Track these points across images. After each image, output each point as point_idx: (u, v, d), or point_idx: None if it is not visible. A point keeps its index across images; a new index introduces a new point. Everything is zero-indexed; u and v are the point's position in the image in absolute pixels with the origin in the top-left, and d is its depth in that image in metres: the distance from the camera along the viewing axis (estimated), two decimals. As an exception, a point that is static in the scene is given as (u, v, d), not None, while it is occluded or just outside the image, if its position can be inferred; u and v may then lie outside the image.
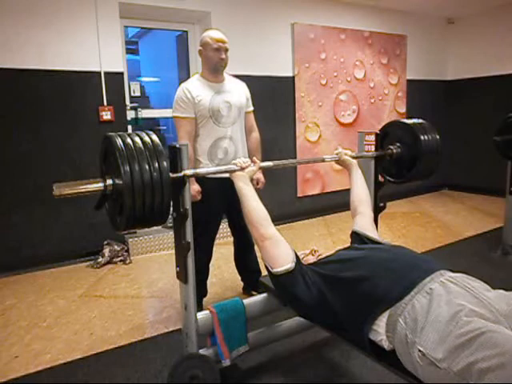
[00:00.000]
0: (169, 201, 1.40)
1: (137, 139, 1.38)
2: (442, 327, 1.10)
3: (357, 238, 1.75)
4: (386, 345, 1.26)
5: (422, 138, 2.08)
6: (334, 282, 1.43)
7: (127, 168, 1.29)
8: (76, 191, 1.33)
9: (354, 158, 2.06)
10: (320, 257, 1.75)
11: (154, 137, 1.43)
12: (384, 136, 2.24)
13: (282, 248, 1.52)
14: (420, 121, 2.22)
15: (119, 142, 1.34)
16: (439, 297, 1.18)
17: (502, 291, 1.22)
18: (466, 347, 1.02)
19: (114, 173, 1.35)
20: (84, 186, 1.35)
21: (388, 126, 2.30)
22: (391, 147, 2.17)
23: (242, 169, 1.69)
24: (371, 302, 1.30)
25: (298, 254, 1.69)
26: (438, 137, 2.15)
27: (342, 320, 1.39)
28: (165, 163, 1.37)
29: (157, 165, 1.34)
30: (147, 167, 1.32)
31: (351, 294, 1.37)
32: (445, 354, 1.06)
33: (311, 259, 1.73)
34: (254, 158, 1.78)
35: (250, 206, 1.59)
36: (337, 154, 2.04)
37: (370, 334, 1.30)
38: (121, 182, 1.30)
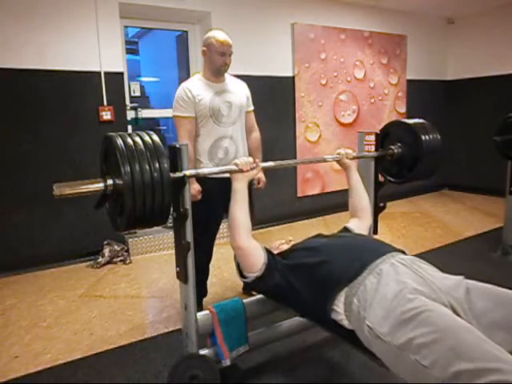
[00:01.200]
0: (169, 201, 1.40)
1: (137, 139, 1.37)
2: (388, 304, 1.21)
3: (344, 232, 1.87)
4: (346, 324, 1.35)
5: (423, 137, 2.08)
6: (297, 269, 1.53)
7: (128, 168, 1.29)
8: (76, 191, 1.33)
9: (354, 158, 2.07)
10: (293, 244, 1.83)
11: (155, 137, 1.42)
12: (385, 136, 2.24)
13: (252, 258, 1.59)
14: (421, 121, 2.22)
15: (120, 142, 1.34)
16: (387, 276, 1.29)
17: (450, 275, 1.33)
18: (407, 324, 1.14)
19: (115, 173, 1.35)
20: (84, 186, 1.35)
21: (389, 125, 2.30)
22: (392, 147, 2.17)
23: (243, 171, 1.68)
24: (330, 284, 1.40)
25: (277, 243, 1.86)
26: (439, 137, 2.15)
27: (311, 306, 1.48)
28: (165, 163, 1.37)
29: (157, 165, 1.34)
30: (148, 167, 1.32)
31: (313, 278, 1.47)
32: (389, 329, 1.18)
33: (285, 247, 1.81)
34: (257, 160, 1.76)
35: (236, 212, 1.64)
36: (338, 154, 2.05)
37: (331, 314, 1.38)
38: (121, 182, 1.30)
